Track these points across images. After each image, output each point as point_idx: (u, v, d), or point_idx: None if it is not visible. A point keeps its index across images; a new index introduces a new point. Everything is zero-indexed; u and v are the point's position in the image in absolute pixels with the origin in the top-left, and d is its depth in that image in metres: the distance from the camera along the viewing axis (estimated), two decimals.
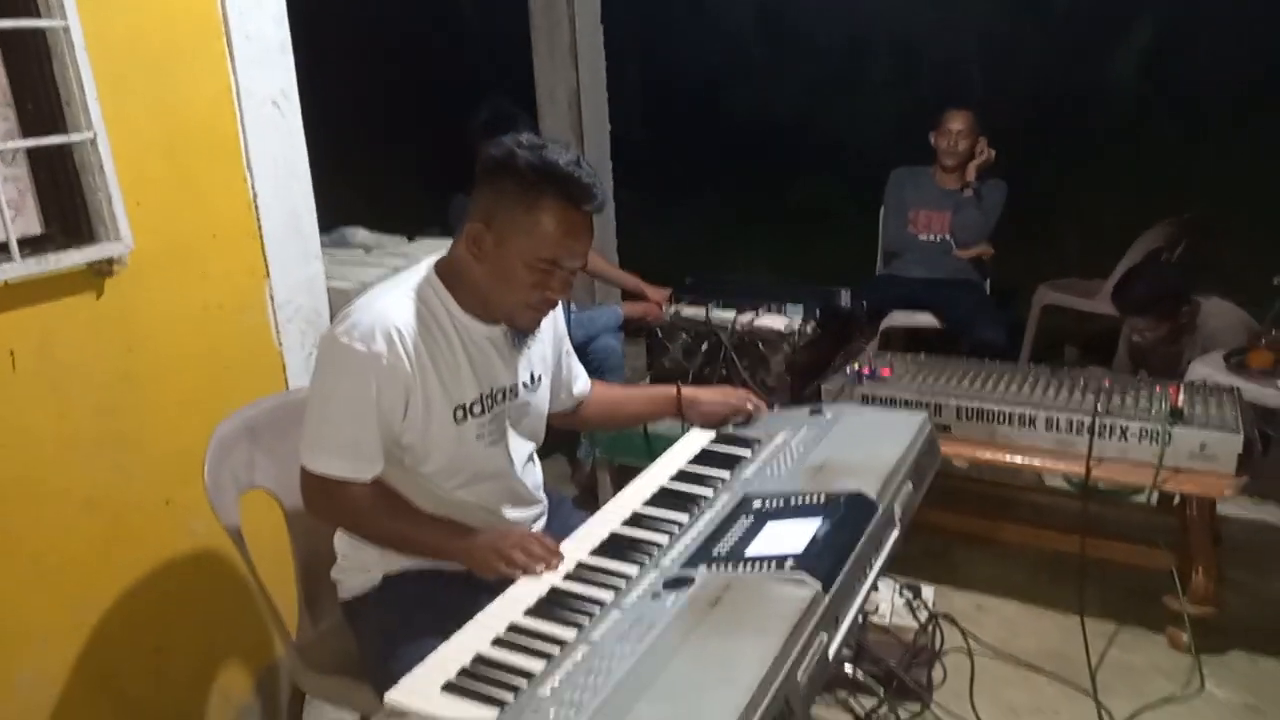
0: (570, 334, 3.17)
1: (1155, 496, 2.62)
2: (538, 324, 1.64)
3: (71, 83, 1.63)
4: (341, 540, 1.67)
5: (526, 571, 1.42)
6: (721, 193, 6.05)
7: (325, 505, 1.55)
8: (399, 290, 1.55)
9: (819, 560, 1.28)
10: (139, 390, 1.84)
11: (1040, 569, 2.72)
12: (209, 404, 1.91)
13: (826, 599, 1.23)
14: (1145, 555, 2.43)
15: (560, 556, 1.45)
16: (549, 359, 1.79)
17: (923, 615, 2.35)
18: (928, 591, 2.43)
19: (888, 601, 2.39)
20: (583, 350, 3.23)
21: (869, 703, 2.21)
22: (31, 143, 1.64)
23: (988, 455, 2.41)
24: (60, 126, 1.67)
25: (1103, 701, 2.19)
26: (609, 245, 4.54)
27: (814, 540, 1.34)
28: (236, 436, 1.75)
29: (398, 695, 1.18)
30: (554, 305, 1.61)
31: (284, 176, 2.08)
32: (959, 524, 2.79)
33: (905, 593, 2.40)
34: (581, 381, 1.91)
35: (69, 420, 1.74)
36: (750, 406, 1.89)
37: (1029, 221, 4.87)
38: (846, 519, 1.40)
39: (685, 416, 1.90)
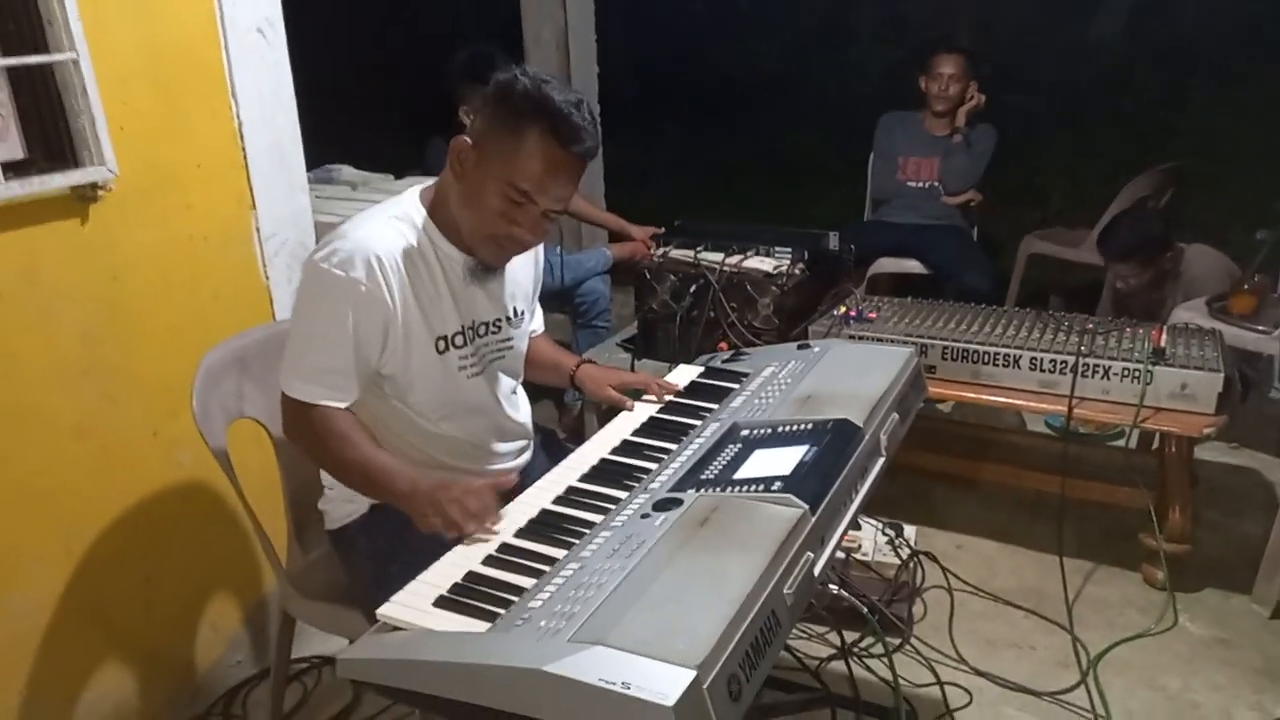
0: (560, 278, 3.19)
1: (1135, 439, 2.66)
2: (501, 262, 1.61)
3: (53, 2, 1.59)
4: (320, 469, 1.67)
5: (460, 530, 1.34)
6: (709, 140, 6.02)
7: (299, 430, 1.53)
8: (382, 218, 1.54)
9: (805, 482, 1.30)
10: (125, 319, 1.83)
11: (1019, 510, 2.77)
12: (195, 335, 1.91)
13: (813, 520, 1.25)
14: (1123, 495, 2.48)
15: (497, 518, 1.37)
16: (530, 296, 1.79)
17: (904, 553, 2.39)
18: (909, 530, 2.47)
19: (870, 540, 2.43)
20: (571, 293, 3.23)
21: (851, 636, 2.25)
22: (12, 61, 1.61)
23: (972, 395, 2.44)
24: (42, 47, 1.63)
25: (1078, 635, 2.24)
26: (596, 191, 4.51)
27: (801, 464, 1.36)
28: (225, 366, 1.75)
29: (391, 610, 1.19)
30: (521, 247, 1.57)
31: (269, 107, 2.05)
32: (940, 465, 2.83)
33: (887, 531, 2.44)
34: (537, 322, 1.89)
35: (56, 347, 1.73)
36: (656, 387, 1.79)
37: (1017, 170, 4.88)
38: (833, 444, 1.42)
39: (577, 385, 1.85)
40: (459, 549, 1.32)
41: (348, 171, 2.82)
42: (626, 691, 0.94)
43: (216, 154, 1.96)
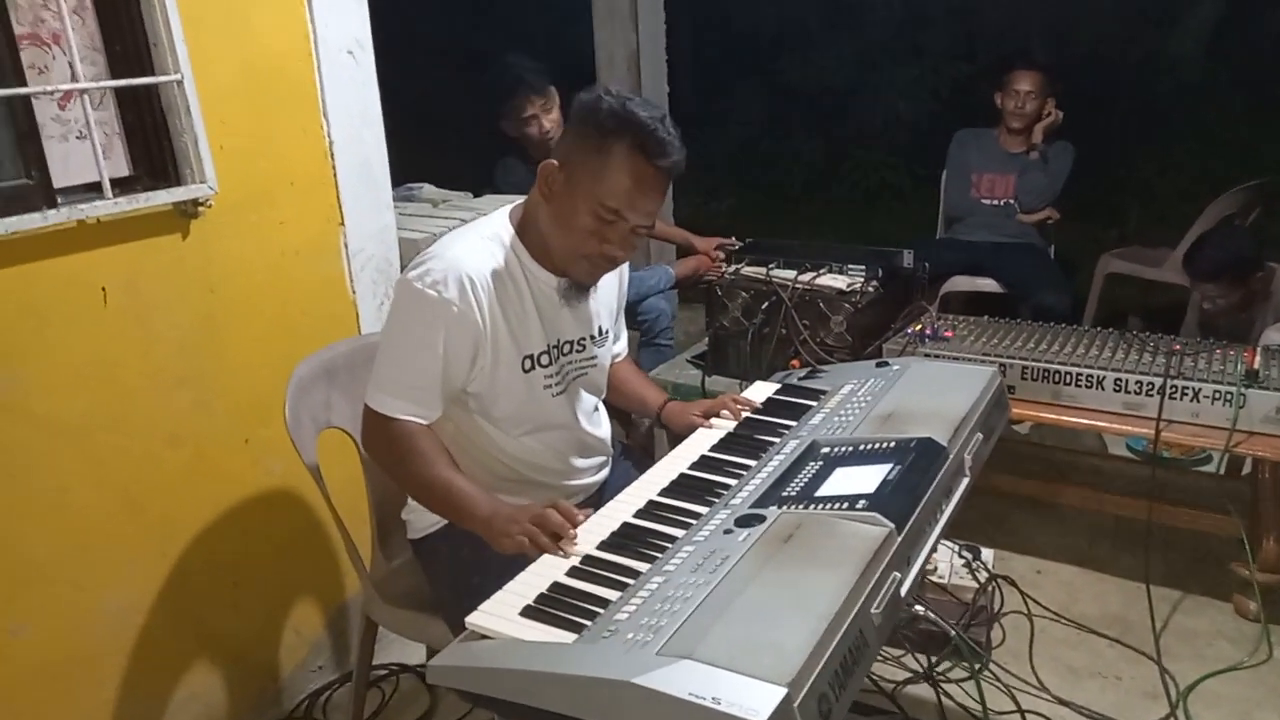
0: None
1: (1224, 464, 2.57)
2: (594, 279, 1.63)
3: (159, 24, 1.67)
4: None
5: (540, 546, 1.34)
6: (777, 158, 6.00)
7: (379, 444, 1.56)
8: (473, 237, 1.57)
9: (891, 502, 1.29)
10: (219, 331, 1.90)
11: (1101, 535, 2.70)
12: (285, 348, 1.96)
13: (899, 540, 1.24)
14: (1213, 521, 2.39)
15: (574, 539, 1.35)
16: (615, 313, 1.81)
17: (982, 576, 2.35)
18: (987, 554, 2.42)
19: (946, 562, 2.39)
20: (633, 310, 3.25)
21: (929, 659, 2.21)
22: (121, 83, 1.69)
23: (1053, 416, 2.38)
24: (148, 69, 1.71)
25: (1166, 666, 2.17)
26: (665, 208, 4.53)
27: (885, 483, 1.35)
28: (315, 377, 1.80)
29: (479, 618, 1.21)
30: (613, 263, 1.59)
31: (358, 125, 2.11)
32: (1018, 487, 2.77)
33: (964, 554, 2.40)
34: (621, 345, 1.91)
35: (154, 357, 1.80)
36: (732, 404, 1.77)
37: (1094, 188, 4.78)
38: (917, 464, 1.40)
39: (663, 421, 1.85)
40: (543, 560, 1.33)
41: (428, 190, 2.88)
42: (717, 707, 0.94)
43: (308, 171, 2.02)
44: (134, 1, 1.68)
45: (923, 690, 2.15)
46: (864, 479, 1.38)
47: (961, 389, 1.68)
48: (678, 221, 4.41)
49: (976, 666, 2.18)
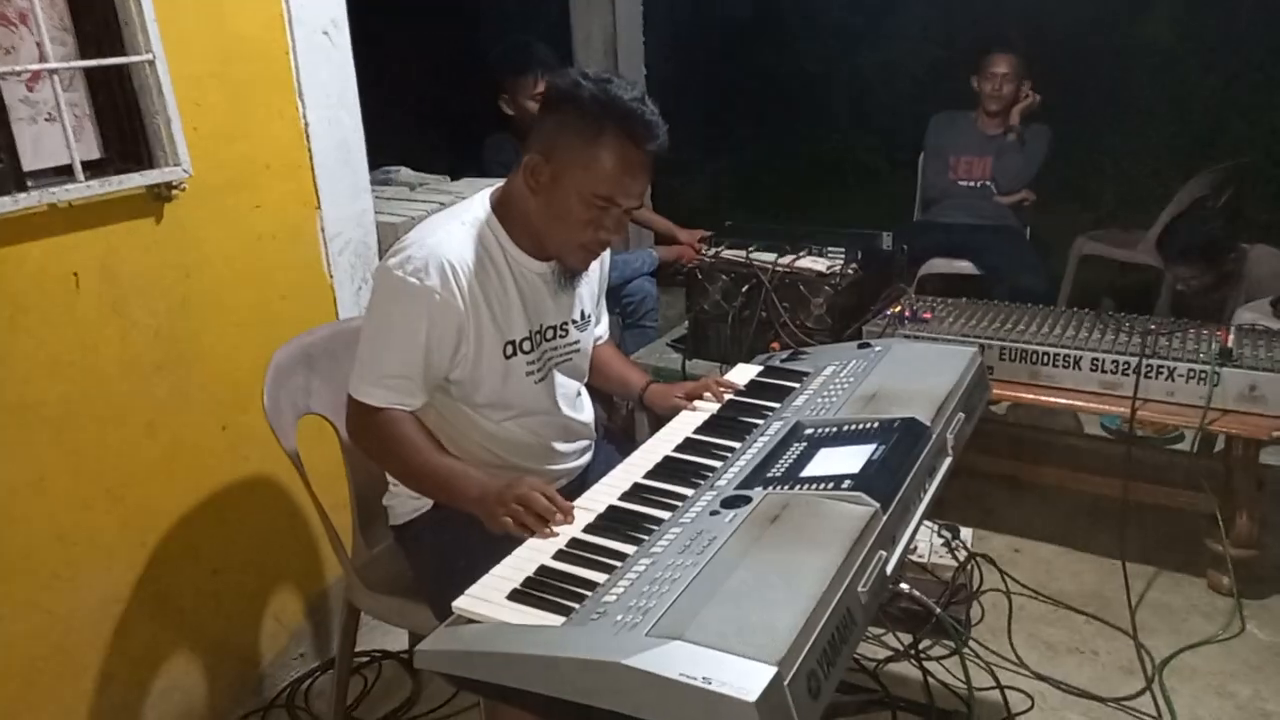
0: (606, 277, 3.19)
1: (1196, 442, 2.61)
2: (588, 264, 1.63)
3: (130, 4, 1.64)
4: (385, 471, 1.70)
5: (530, 530, 1.35)
6: (755, 140, 5.99)
7: (364, 433, 1.55)
8: (454, 223, 1.55)
9: (876, 481, 1.29)
10: (196, 316, 1.87)
11: (1077, 513, 2.73)
12: (262, 332, 1.95)
13: (884, 518, 1.24)
14: (1187, 498, 2.43)
15: (568, 517, 1.37)
16: (597, 297, 1.80)
17: (961, 555, 2.37)
18: (965, 533, 2.44)
19: (926, 542, 2.40)
20: (618, 293, 3.24)
21: (907, 638, 2.23)
22: (91, 63, 1.65)
23: (1031, 396, 2.40)
24: (118, 49, 1.67)
25: (1142, 641, 2.20)
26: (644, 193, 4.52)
27: (870, 463, 1.36)
28: (294, 363, 1.78)
29: (466, 602, 1.21)
30: (606, 246, 1.59)
31: (334, 107, 2.09)
32: (996, 467, 2.79)
33: (944, 533, 2.42)
34: (602, 328, 1.91)
35: (130, 343, 1.77)
36: (714, 387, 1.78)
37: (1070, 170, 4.80)
38: (901, 443, 1.41)
39: (646, 403, 1.85)
40: (530, 543, 1.33)
41: (405, 173, 2.85)
42: (708, 686, 0.94)
43: (284, 154, 1.99)
44: None
45: (904, 668, 2.17)
46: (849, 459, 1.39)
47: (943, 369, 1.69)
48: (656, 203, 4.41)
49: (957, 644, 2.20)
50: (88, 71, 1.69)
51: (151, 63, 1.67)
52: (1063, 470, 2.70)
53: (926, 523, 2.45)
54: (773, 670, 0.95)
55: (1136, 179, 5.28)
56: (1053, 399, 2.38)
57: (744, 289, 2.82)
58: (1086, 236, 4.23)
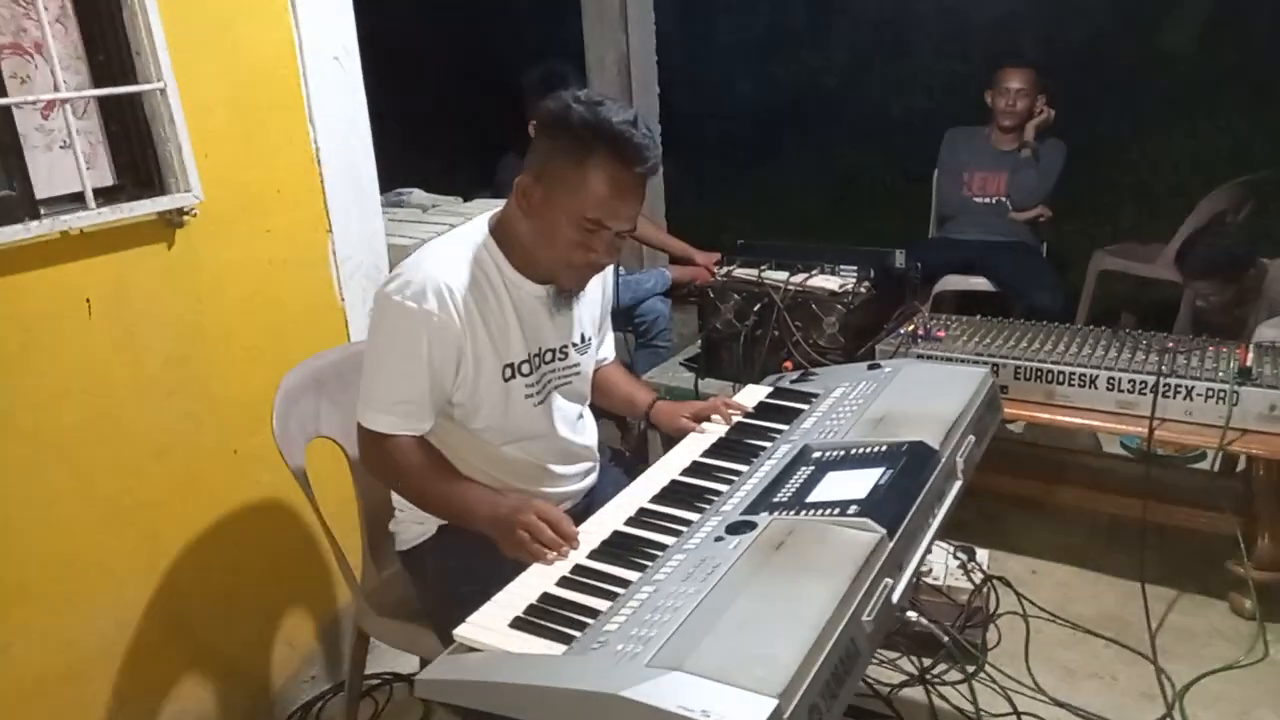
0: (618, 297, 3.20)
1: (1218, 461, 2.57)
2: (582, 285, 1.62)
3: (141, 33, 1.66)
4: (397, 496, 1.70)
5: (539, 558, 1.35)
6: (770, 159, 5.99)
7: (377, 461, 1.56)
8: (450, 247, 1.55)
9: (882, 507, 1.28)
10: (208, 341, 1.89)
11: (1096, 534, 2.69)
12: (274, 356, 1.95)
13: (890, 545, 1.23)
14: (1208, 519, 2.39)
15: (575, 543, 1.37)
16: (599, 320, 1.80)
17: (977, 577, 2.34)
18: (981, 554, 2.41)
19: (941, 564, 2.38)
20: (630, 313, 3.24)
21: (924, 662, 2.21)
22: (103, 92, 1.68)
23: (1046, 416, 2.38)
24: (131, 78, 1.70)
25: (1162, 666, 2.16)
26: (658, 211, 4.53)
27: (876, 488, 1.34)
28: (304, 386, 1.79)
29: (467, 631, 1.20)
30: (599, 268, 1.58)
31: (345, 132, 2.10)
32: (1013, 487, 2.76)
33: (959, 555, 2.39)
34: (607, 348, 1.90)
35: (142, 368, 1.78)
36: (723, 408, 1.76)
37: (1086, 185, 4.76)
38: (909, 467, 1.40)
39: (652, 420, 1.84)
40: (534, 569, 1.33)
41: (418, 195, 2.87)
42: (707, 719, 0.93)
43: (295, 179, 2.01)
44: (116, 10, 1.67)
45: (919, 693, 2.14)
46: (856, 484, 1.37)
47: (953, 391, 1.67)
48: (670, 224, 4.41)
49: (971, 669, 2.17)
50: (101, 100, 1.71)
51: (163, 91, 1.69)
52: (1081, 490, 2.66)
53: (942, 544, 2.43)
54: (773, 703, 0.94)
55: (1157, 193, 5.24)
56: (1069, 419, 2.35)
57: (756, 308, 2.81)
58: (1105, 251, 4.19)
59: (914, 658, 2.21)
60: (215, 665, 2.00)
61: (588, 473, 1.78)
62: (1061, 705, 2.08)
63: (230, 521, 1.97)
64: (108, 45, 1.70)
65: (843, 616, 1.09)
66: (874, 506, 1.28)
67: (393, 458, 1.54)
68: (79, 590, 1.74)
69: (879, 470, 1.40)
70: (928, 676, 2.18)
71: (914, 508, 1.32)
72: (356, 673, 1.87)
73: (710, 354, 2.97)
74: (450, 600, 1.48)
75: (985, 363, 2.44)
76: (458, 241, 1.58)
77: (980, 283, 3.63)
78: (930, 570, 2.35)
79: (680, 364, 3.09)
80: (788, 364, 2.77)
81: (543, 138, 1.50)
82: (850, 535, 1.23)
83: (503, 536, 1.43)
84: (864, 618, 1.12)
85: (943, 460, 1.46)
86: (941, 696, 2.11)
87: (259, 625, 2.09)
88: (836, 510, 1.29)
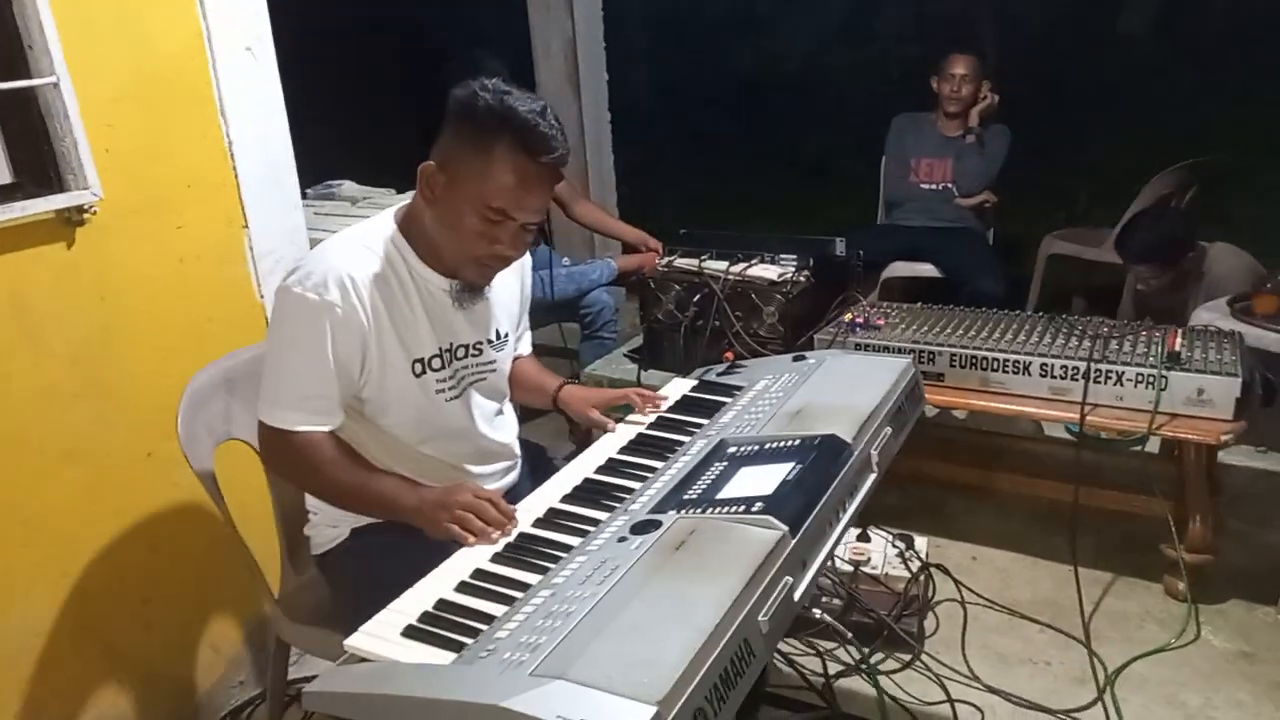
0: (562, 288, 3.16)
1: (1158, 444, 2.58)
2: (487, 280, 1.58)
3: (31, 26, 1.60)
4: (312, 497, 1.66)
5: (478, 536, 1.35)
6: (724, 146, 5.97)
7: (283, 459, 1.51)
8: (354, 238, 1.52)
9: (786, 503, 1.26)
10: (116, 341, 1.83)
11: (1035, 520, 2.70)
12: (189, 356, 1.89)
13: (793, 542, 1.21)
14: (1141, 503, 2.40)
15: (514, 521, 1.39)
16: (516, 317, 1.76)
17: (914, 565, 2.33)
18: (920, 542, 2.41)
19: (880, 552, 2.37)
20: (575, 305, 3.21)
21: (857, 653, 2.20)
22: None
23: (981, 403, 2.38)
24: (24, 72, 1.64)
25: (1096, 650, 2.18)
26: (609, 198, 4.49)
27: (784, 483, 1.32)
28: (213, 387, 1.74)
29: (358, 640, 1.17)
30: (505, 262, 1.54)
31: (260, 125, 2.05)
32: (954, 474, 2.77)
33: (898, 543, 2.39)
34: (524, 345, 1.87)
35: (45, 370, 1.73)
36: (636, 399, 1.76)
37: (1036, 170, 4.78)
38: (819, 462, 1.38)
39: (560, 408, 1.82)
40: (433, 574, 1.30)
41: (349, 187, 2.82)
42: None
43: (207, 174, 1.96)
44: (5, 3, 1.60)
45: (857, 683, 2.14)
46: (765, 480, 1.35)
47: (872, 382, 1.65)
48: (623, 212, 4.36)
49: (908, 657, 2.17)
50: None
51: (55, 85, 1.63)
52: (1019, 476, 2.67)
53: (881, 533, 2.43)
54: (651, 710, 0.91)
55: (1111, 177, 5.27)
56: (1003, 405, 2.35)
57: (696, 299, 2.79)
58: (1054, 236, 4.21)
59: (850, 647, 2.20)
60: (134, 672, 1.95)
61: (506, 471, 1.74)
62: (995, 692, 2.09)
63: (146, 526, 1.92)
64: (1, 40, 1.64)
65: (736, 617, 1.06)
66: (778, 503, 1.25)
67: (302, 454, 1.49)
68: None
69: (789, 465, 1.38)
70: (864, 666, 2.18)
71: (821, 503, 1.30)
72: (278, 679, 1.83)
73: (653, 345, 2.95)
74: (361, 606, 1.44)
75: (921, 350, 2.44)
76: (362, 233, 1.54)
77: (927, 269, 3.64)
78: (868, 559, 2.35)
79: (624, 355, 3.06)
80: (729, 354, 2.75)
81: (449, 125, 1.47)
82: (752, 533, 1.21)
83: (433, 519, 1.40)
84: (760, 618, 1.10)
85: (855, 453, 1.44)
86: (877, 686, 2.11)
87: (179, 630, 2.05)
88: (742, 508, 1.27)
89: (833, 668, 2.17)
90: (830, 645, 2.23)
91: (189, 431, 1.66)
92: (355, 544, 1.61)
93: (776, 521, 1.21)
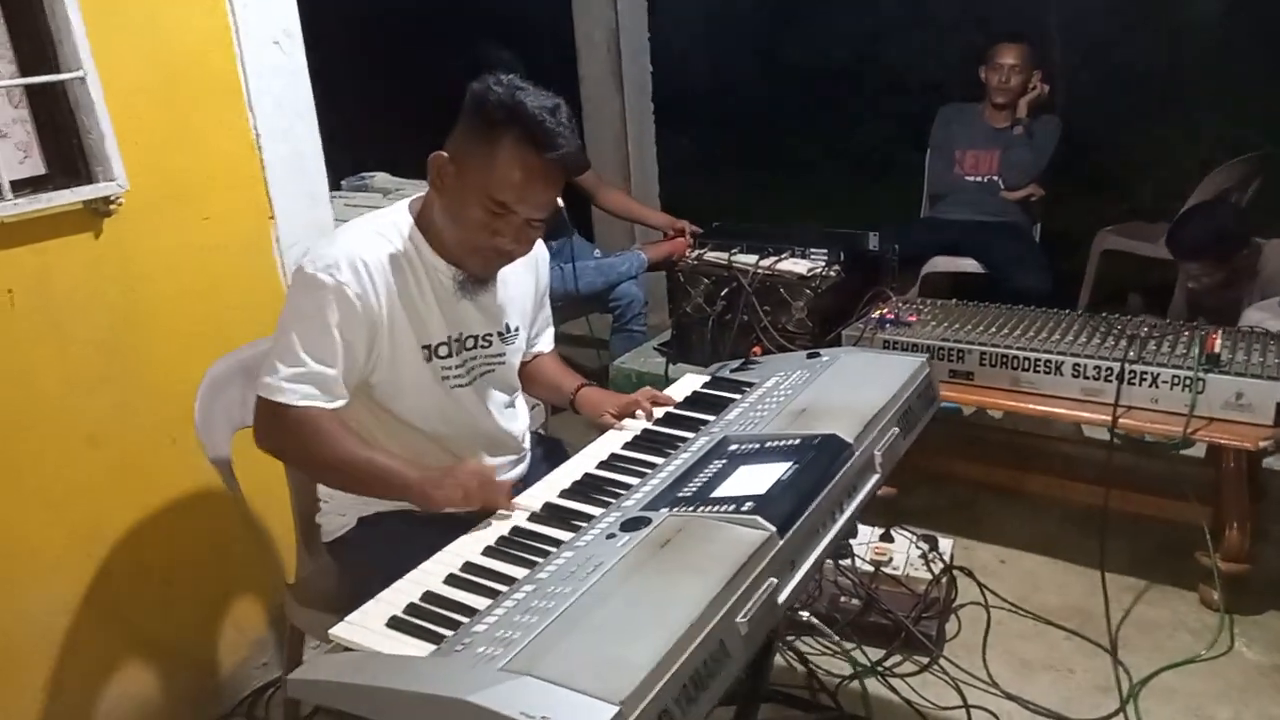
0: (590, 281, 3.16)
1: (1204, 449, 2.49)
2: (489, 273, 1.59)
3: (59, 21, 1.64)
4: (308, 476, 1.68)
5: (483, 503, 1.41)
6: (771, 138, 5.90)
7: (278, 436, 1.49)
8: (366, 227, 1.54)
9: (777, 503, 1.24)
10: (142, 329, 1.88)
11: (1069, 523, 2.63)
12: (214, 345, 1.92)
13: (781, 543, 1.19)
14: (1178, 509, 2.33)
15: (509, 502, 1.42)
16: (528, 312, 1.76)
17: (937, 567, 2.29)
18: (946, 543, 2.36)
19: (903, 553, 2.33)
20: (603, 297, 3.20)
21: (876, 654, 2.17)
22: (23, 81, 1.67)
23: (1011, 403, 2.32)
24: (53, 66, 1.68)
25: (1123, 659, 2.12)
26: (651, 191, 4.48)
27: (778, 483, 1.30)
28: (231, 375, 1.78)
29: (342, 630, 1.19)
30: (507, 257, 1.54)
31: (288, 118, 2.08)
32: (987, 475, 2.72)
33: (921, 545, 2.35)
34: (544, 342, 1.88)
35: (70, 357, 1.78)
36: (646, 404, 1.71)
37: (1092, 162, 4.63)
38: (816, 462, 1.36)
39: (576, 407, 1.81)
40: (424, 567, 1.31)
41: (381, 179, 2.85)
42: None
43: (233, 166, 1.99)
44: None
45: (873, 685, 2.11)
46: (760, 479, 1.34)
47: (883, 382, 1.62)
48: (668, 204, 4.34)
49: (925, 660, 2.14)
50: (31, 89, 1.70)
51: (83, 79, 1.67)
52: (1053, 478, 2.61)
53: (904, 533, 2.39)
54: (613, 710, 0.91)
55: (1172, 168, 5.08)
56: (1034, 406, 2.30)
57: (724, 292, 2.78)
58: (1109, 231, 4.08)
59: (866, 648, 2.17)
60: (157, 651, 2.00)
61: (515, 464, 1.75)
62: (1012, 698, 2.04)
63: (170, 510, 1.97)
64: (30, 34, 1.69)
65: (711, 618, 1.05)
66: (768, 503, 1.24)
67: (300, 429, 1.46)
68: (9, 579, 1.75)
69: (786, 464, 1.36)
70: (880, 668, 2.15)
71: (814, 504, 1.28)
72: (293, 664, 1.86)
73: (681, 339, 2.94)
74: (364, 594, 1.46)
75: (950, 349, 2.39)
76: (376, 220, 1.57)
77: (969, 264, 3.56)
78: (890, 559, 2.31)
79: (654, 348, 3.06)
80: (757, 349, 2.74)
81: (462, 117, 1.49)
82: (738, 533, 1.19)
83: (433, 489, 1.43)
84: (738, 619, 1.08)
85: (856, 454, 1.42)
86: (892, 689, 2.08)
87: (203, 611, 2.09)
88: (733, 507, 1.25)
89: (847, 669, 2.14)
90: (849, 646, 2.20)
91: (206, 418, 1.69)
92: (361, 532, 1.64)
93: (764, 522, 1.20)
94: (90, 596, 1.87)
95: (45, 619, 1.82)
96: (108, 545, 1.89)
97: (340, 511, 1.65)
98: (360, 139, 2.58)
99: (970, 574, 2.36)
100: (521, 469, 1.76)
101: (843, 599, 2.25)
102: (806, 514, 1.26)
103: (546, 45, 4.36)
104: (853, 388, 1.62)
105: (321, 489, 1.69)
